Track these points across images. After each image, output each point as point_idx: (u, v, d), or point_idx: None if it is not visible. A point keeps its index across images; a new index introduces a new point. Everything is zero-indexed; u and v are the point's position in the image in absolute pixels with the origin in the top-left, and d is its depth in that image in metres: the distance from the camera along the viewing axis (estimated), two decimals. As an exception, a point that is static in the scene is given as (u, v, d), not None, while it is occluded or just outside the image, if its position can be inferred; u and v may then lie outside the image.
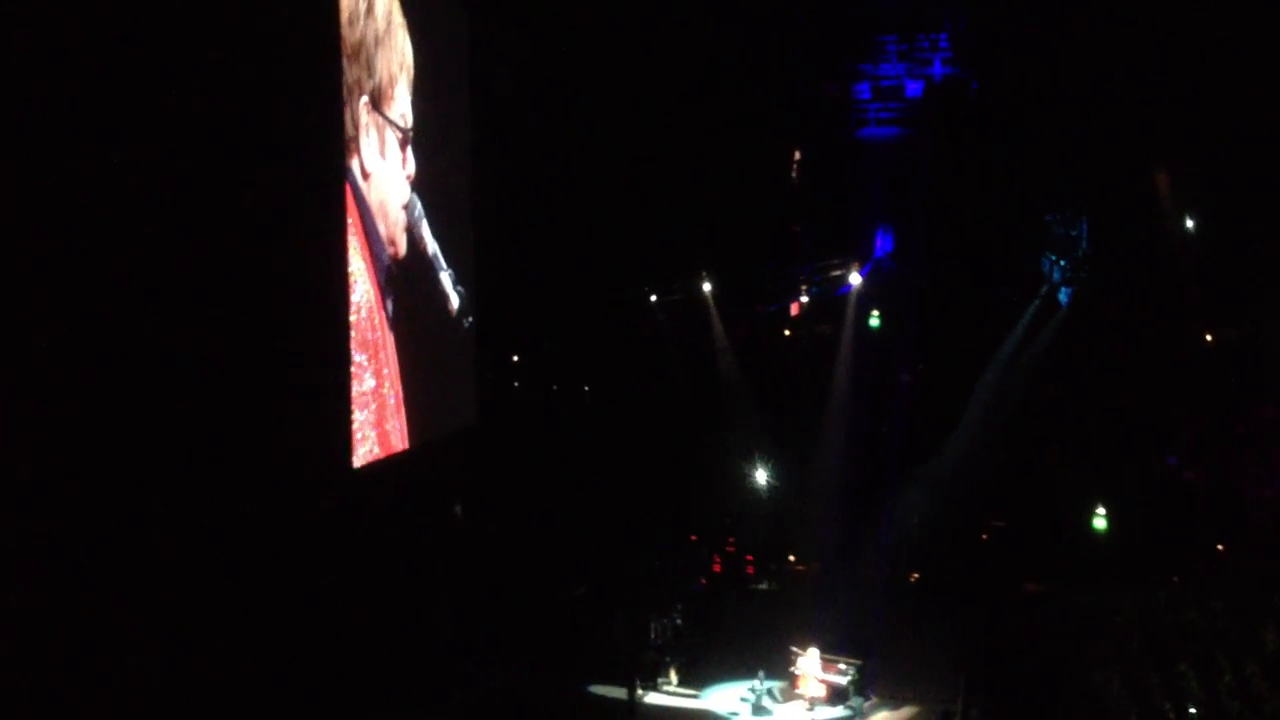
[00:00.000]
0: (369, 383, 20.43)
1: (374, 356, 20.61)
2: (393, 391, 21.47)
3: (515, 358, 29.49)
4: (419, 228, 23.02)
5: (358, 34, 20.39)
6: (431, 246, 23.52)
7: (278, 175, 17.48)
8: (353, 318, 19.64)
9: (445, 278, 24.31)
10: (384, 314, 21.27)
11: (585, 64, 27.98)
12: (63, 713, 13.83)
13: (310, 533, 18.03)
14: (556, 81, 27.60)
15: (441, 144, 24.01)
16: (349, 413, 19.48)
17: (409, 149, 22.36)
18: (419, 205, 22.88)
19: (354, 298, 19.74)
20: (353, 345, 19.65)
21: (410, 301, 22.53)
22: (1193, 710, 19.33)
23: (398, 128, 21.97)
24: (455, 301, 24.70)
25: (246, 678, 16.81)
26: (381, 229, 21.35)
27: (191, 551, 15.61)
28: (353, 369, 19.60)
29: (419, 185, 22.71)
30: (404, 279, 22.17)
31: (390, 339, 21.46)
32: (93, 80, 14.00)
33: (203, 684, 15.83)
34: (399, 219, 22.08)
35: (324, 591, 18.54)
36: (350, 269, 19.54)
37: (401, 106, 22.26)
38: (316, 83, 19.12)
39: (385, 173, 21.53)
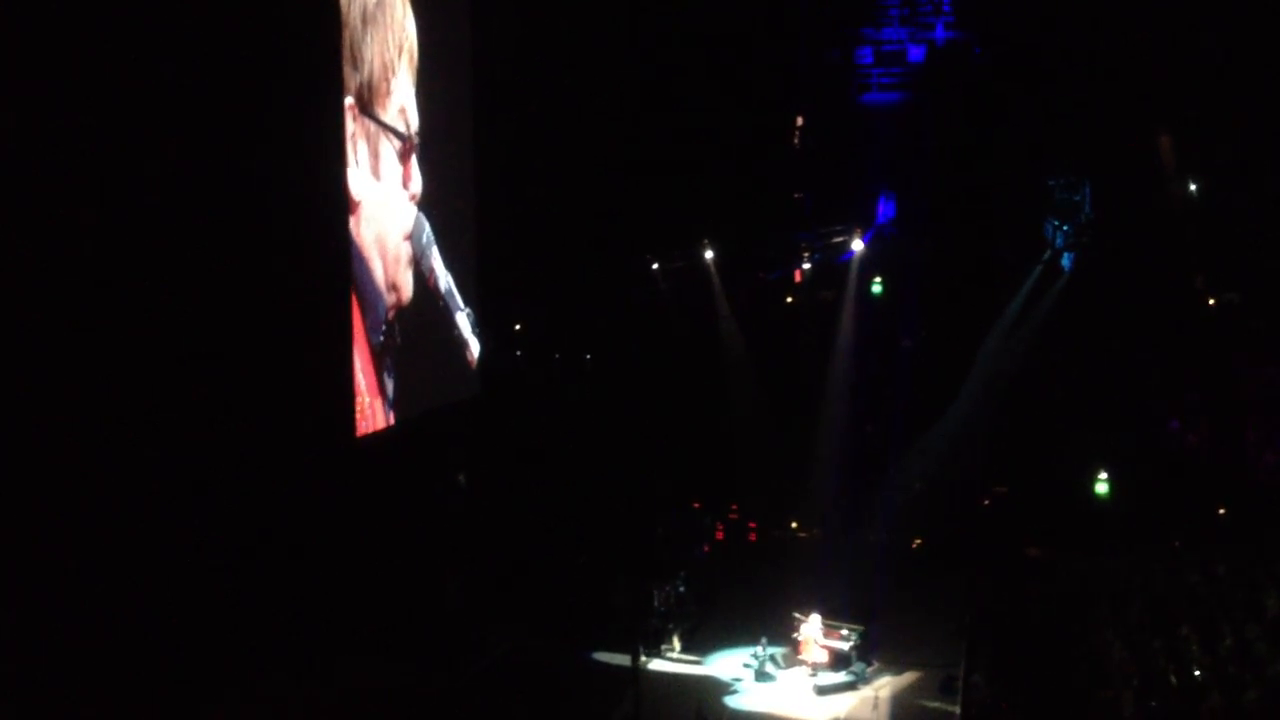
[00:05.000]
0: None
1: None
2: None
3: (517, 326, 29.45)
4: (428, 257, 19.08)
5: (341, 12, 16.75)
6: (444, 281, 19.82)
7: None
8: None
9: (463, 320, 20.81)
10: (381, 400, 17.63)
11: (587, 32, 27.78)
12: (86, 678, 14.03)
13: (317, 503, 18.11)
14: (559, 49, 27.41)
15: (445, 136, 20.52)
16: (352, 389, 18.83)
17: (413, 159, 18.32)
18: (427, 229, 19.08)
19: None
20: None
21: (416, 367, 18.70)
22: (1198, 673, 19.38)
23: (395, 133, 17.87)
24: (475, 349, 21.43)
25: (257, 643, 16.97)
26: (378, 274, 17.33)
27: (204, 526, 15.79)
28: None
29: (426, 201, 18.89)
30: (407, 337, 18.35)
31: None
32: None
33: (215, 648, 16.02)
34: (401, 253, 18.01)
35: (333, 560, 18.64)
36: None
37: (400, 99, 18.00)
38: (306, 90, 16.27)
39: (381, 197, 17.51)
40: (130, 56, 14.31)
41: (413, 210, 18.49)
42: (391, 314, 17.79)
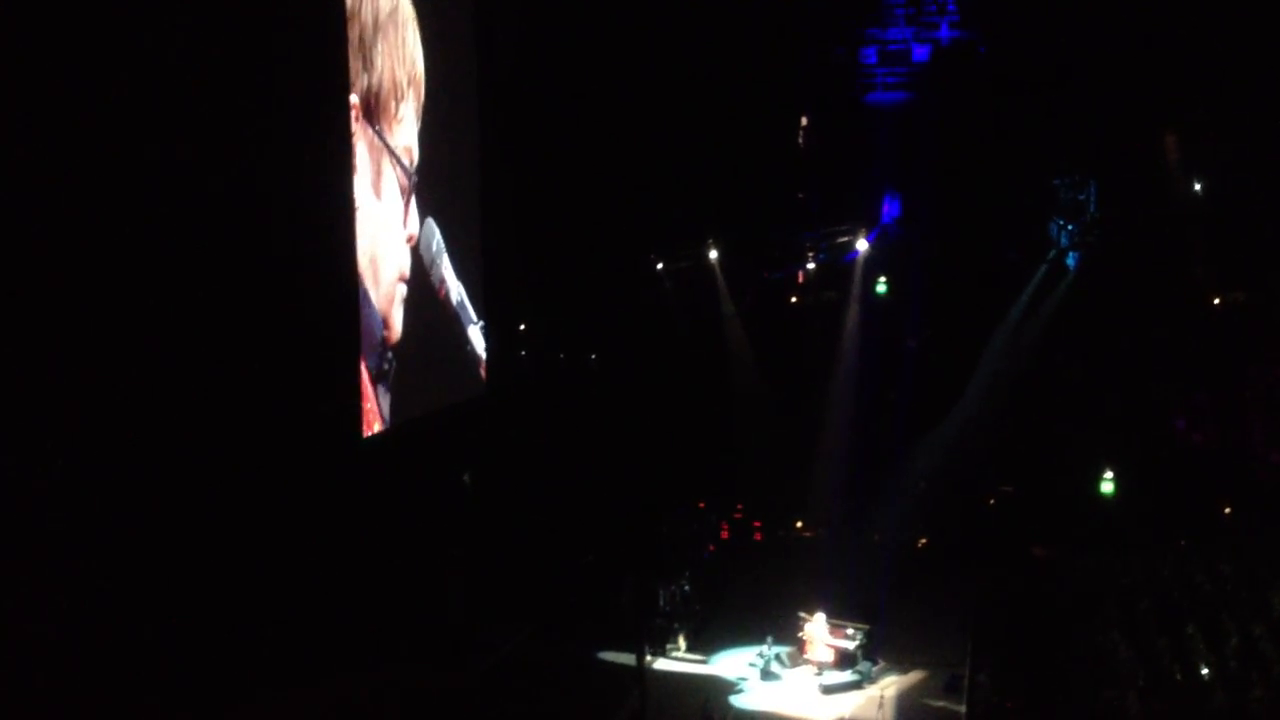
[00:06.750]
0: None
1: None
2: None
3: (522, 326, 29.44)
4: (438, 267, 18.19)
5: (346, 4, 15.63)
6: (455, 292, 18.80)
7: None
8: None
9: (475, 334, 19.79)
10: (384, 408, 16.79)
11: (592, 30, 27.78)
12: (90, 680, 14.04)
13: (321, 504, 18.11)
14: (563, 47, 27.40)
15: (448, 135, 19.85)
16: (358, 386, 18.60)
17: (413, 202, 17.23)
18: (438, 236, 18.10)
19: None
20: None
21: (424, 384, 17.79)
22: (1204, 672, 19.39)
23: (399, 163, 16.62)
24: (484, 359, 20.70)
25: (260, 643, 16.97)
26: (372, 303, 16.36)
27: (208, 526, 15.81)
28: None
29: (434, 207, 17.98)
30: (413, 354, 17.37)
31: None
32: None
33: (218, 649, 16.03)
34: (396, 293, 16.59)
35: (337, 560, 18.65)
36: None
37: (407, 132, 16.84)
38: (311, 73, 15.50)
39: (379, 219, 16.19)
40: (132, 45, 14.27)
41: (407, 253, 17.31)
42: (388, 345, 16.96)
